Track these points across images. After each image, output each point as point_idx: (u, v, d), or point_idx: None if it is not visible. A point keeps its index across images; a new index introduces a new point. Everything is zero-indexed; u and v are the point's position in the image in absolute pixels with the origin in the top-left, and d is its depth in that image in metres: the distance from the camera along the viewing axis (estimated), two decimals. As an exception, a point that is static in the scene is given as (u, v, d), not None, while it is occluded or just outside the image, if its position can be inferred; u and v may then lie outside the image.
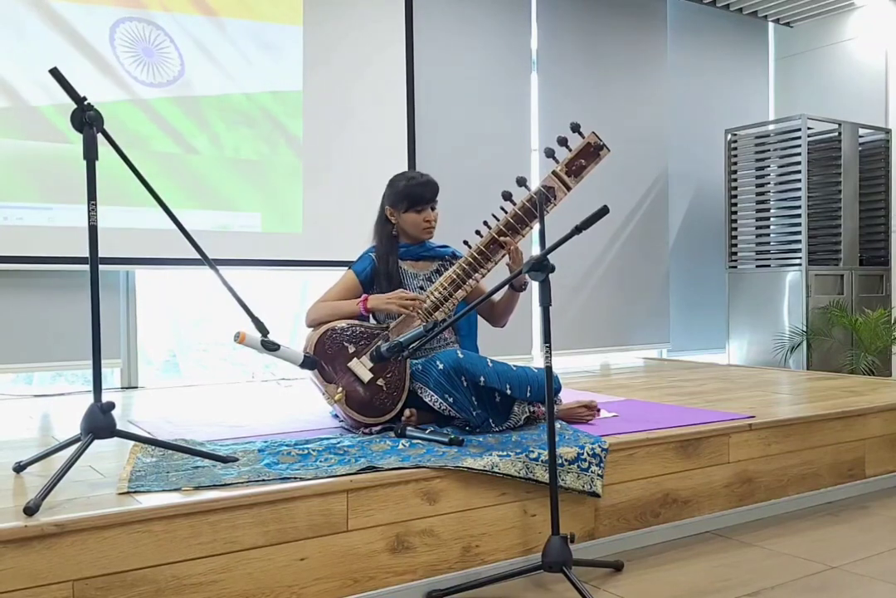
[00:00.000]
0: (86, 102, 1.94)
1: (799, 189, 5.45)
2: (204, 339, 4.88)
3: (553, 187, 2.59)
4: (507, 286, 2.63)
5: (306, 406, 3.16)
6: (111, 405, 1.98)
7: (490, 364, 2.52)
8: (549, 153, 2.53)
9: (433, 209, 2.77)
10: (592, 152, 2.61)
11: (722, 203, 5.92)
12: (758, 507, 2.76)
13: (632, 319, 5.66)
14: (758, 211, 5.75)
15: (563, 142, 2.52)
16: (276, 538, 1.89)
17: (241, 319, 2.15)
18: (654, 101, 5.79)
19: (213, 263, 2.12)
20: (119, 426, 2.00)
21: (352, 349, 2.54)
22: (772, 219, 5.68)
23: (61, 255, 3.75)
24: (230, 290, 2.14)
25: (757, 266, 5.75)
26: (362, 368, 2.52)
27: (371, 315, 2.72)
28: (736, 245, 5.83)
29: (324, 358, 2.50)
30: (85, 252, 1.98)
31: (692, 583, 2.18)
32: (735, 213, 5.84)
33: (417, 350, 2.46)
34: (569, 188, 2.61)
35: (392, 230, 2.80)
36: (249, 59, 4.23)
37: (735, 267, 5.82)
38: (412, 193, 2.72)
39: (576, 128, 2.51)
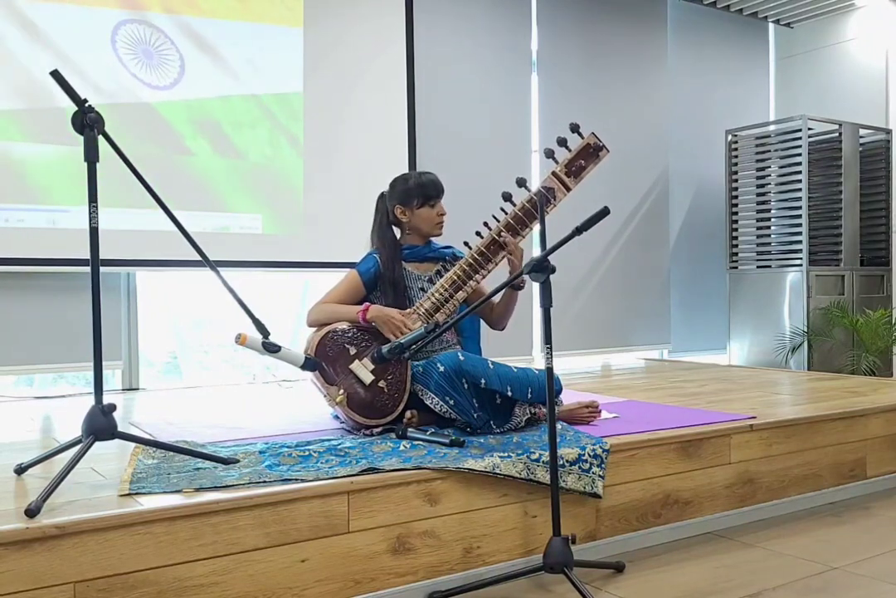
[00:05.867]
0: (86, 105, 1.94)
1: (799, 190, 5.45)
2: (205, 340, 4.88)
3: (553, 188, 2.59)
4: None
5: (307, 408, 3.15)
6: (112, 407, 1.98)
7: (491, 366, 2.52)
8: (549, 154, 2.53)
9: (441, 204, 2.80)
10: (592, 153, 2.61)
11: (722, 204, 5.92)
12: (759, 508, 2.75)
13: (632, 320, 5.66)
14: (758, 211, 5.75)
15: (562, 142, 2.52)
16: (277, 539, 1.89)
17: (242, 320, 2.15)
18: (654, 101, 5.80)
19: (214, 265, 2.12)
20: (120, 428, 2.00)
21: (353, 351, 2.54)
22: (772, 219, 5.68)
23: (62, 257, 3.75)
24: (231, 291, 2.14)
25: (758, 267, 5.75)
26: (363, 369, 2.52)
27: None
28: (737, 246, 5.83)
29: (325, 360, 2.50)
30: (86, 254, 1.98)
31: (693, 584, 2.18)
32: (736, 213, 5.84)
33: (418, 352, 2.46)
34: (568, 189, 2.60)
35: (394, 236, 2.81)
36: (250, 61, 4.23)
37: (736, 268, 5.82)
38: (425, 188, 2.74)
39: (575, 128, 2.51)
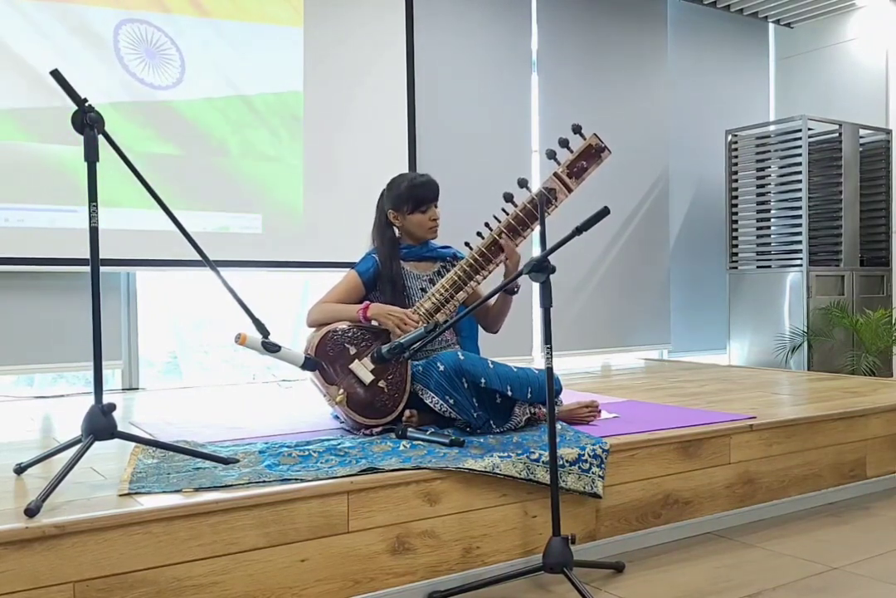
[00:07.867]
0: (87, 104, 1.94)
1: (800, 190, 5.45)
2: (205, 340, 4.88)
3: (554, 189, 2.59)
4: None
5: (307, 408, 3.16)
6: (112, 407, 1.98)
7: (491, 366, 2.52)
8: (551, 155, 2.53)
9: (436, 207, 2.77)
10: (594, 154, 2.60)
11: (723, 204, 5.92)
12: (759, 508, 2.75)
13: (632, 320, 5.66)
14: (758, 212, 5.75)
15: (564, 143, 2.51)
16: (276, 539, 1.89)
17: (242, 320, 2.15)
18: (654, 102, 5.80)
19: (214, 265, 2.12)
20: (120, 428, 2.00)
21: (353, 351, 2.54)
22: (772, 220, 5.68)
23: (62, 257, 3.75)
24: (231, 291, 2.14)
25: (758, 267, 5.75)
26: (363, 369, 2.52)
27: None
28: (737, 246, 5.83)
29: (325, 359, 2.50)
30: (86, 254, 1.98)
31: (693, 584, 2.17)
32: (736, 214, 5.84)
33: (418, 351, 2.46)
34: (570, 190, 2.60)
35: (393, 234, 2.81)
36: (250, 61, 4.23)
37: (736, 268, 5.82)
38: (416, 193, 2.72)
39: (577, 129, 2.50)
